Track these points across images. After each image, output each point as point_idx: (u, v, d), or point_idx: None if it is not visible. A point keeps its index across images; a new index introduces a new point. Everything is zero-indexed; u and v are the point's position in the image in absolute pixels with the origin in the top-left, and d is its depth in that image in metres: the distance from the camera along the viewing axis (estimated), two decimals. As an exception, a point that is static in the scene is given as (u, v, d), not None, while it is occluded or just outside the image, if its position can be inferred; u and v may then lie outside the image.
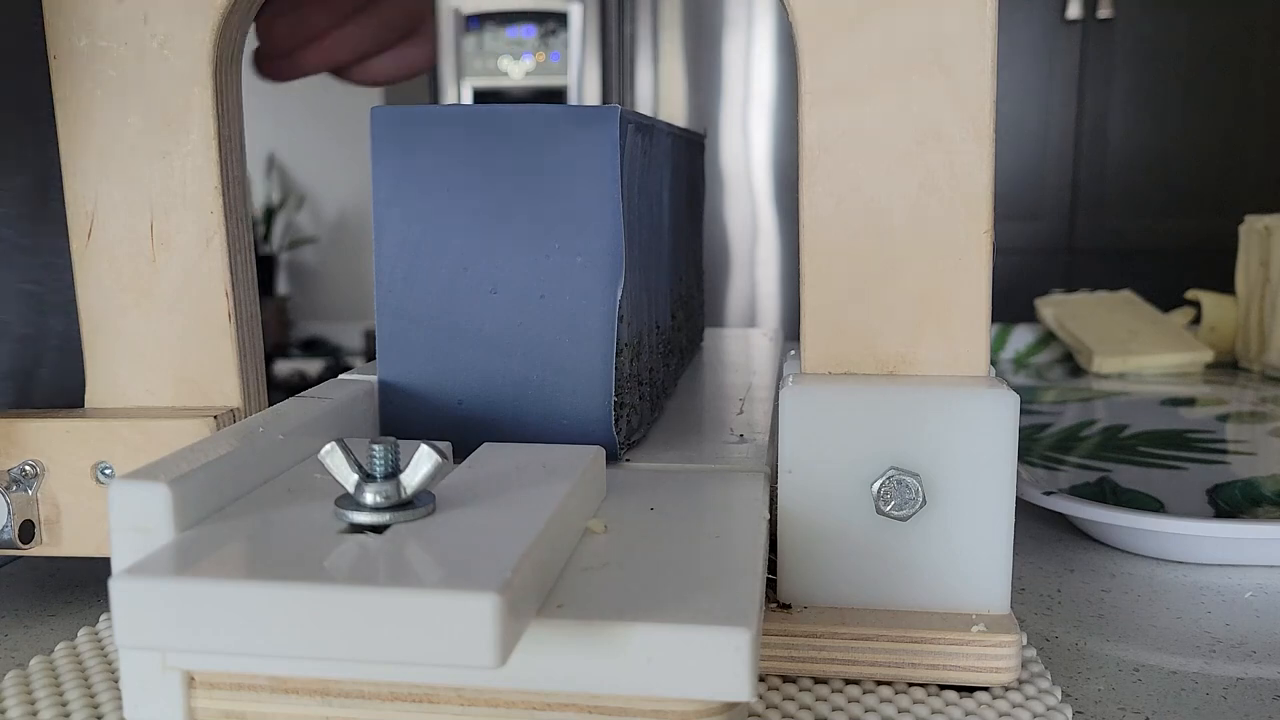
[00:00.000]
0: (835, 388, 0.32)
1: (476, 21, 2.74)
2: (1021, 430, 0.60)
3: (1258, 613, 0.38)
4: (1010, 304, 1.16)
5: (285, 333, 4.42)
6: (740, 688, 0.23)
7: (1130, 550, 0.45)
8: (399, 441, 0.27)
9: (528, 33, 2.71)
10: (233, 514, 0.27)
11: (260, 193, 4.48)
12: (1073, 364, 0.89)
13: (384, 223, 0.36)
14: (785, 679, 0.32)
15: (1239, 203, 1.04)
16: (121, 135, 0.38)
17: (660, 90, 2.54)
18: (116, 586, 0.22)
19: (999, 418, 0.31)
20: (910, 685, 0.32)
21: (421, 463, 0.26)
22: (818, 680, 0.32)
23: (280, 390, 4.06)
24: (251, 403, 0.39)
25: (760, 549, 0.29)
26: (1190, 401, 0.75)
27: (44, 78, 0.39)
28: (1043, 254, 2.40)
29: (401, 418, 0.37)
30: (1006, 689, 0.32)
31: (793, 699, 0.31)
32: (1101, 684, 0.33)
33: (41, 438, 0.36)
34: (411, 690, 0.26)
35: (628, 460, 0.37)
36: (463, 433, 0.36)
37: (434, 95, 2.78)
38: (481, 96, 2.74)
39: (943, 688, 0.32)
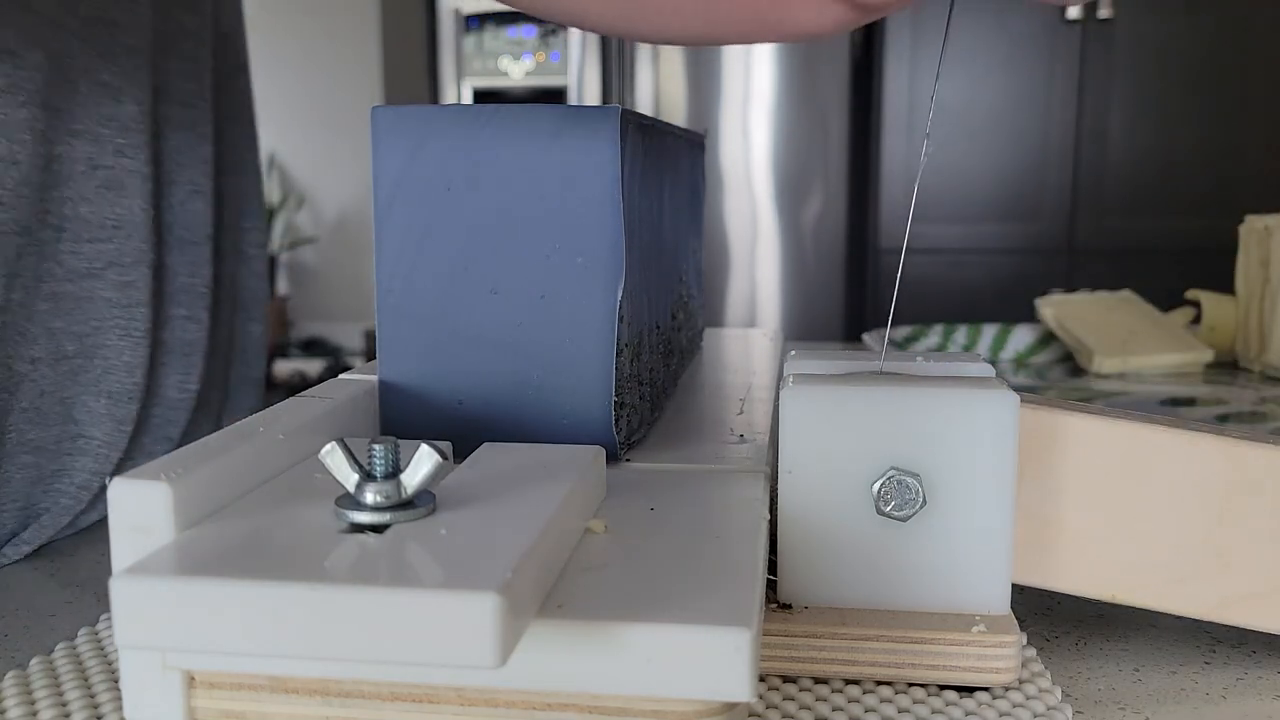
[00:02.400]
0: (835, 388, 0.32)
1: (476, 21, 2.74)
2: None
3: (1258, 613, 0.38)
4: (1010, 304, 1.16)
5: (285, 333, 4.42)
6: (740, 688, 0.23)
7: (1130, 550, 0.45)
8: (399, 441, 0.27)
9: (528, 33, 2.71)
10: (233, 514, 0.27)
11: (260, 193, 4.46)
12: (1073, 364, 0.89)
13: (384, 223, 0.36)
14: (785, 679, 0.32)
15: (1239, 203, 1.04)
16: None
17: (660, 90, 2.54)
18: (117, 586, 0.22)
19: (999, 418, 0.31)
20: (910, 685, 0.32)
21: (422, 462, 0.26)
22: (818, 680, 0.32)
23: (280, 390, 4.07)
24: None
25: (760, 549, 0.29)
26: (1190, 401, 0.75)
27: None
28: (1043, 254, 2.41)
29: (401, 417, 0.37)
30: (1007, 689, 0.32)
31: (793, 699, 0.31)
32: (1101, 684, 0.33)
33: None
34: (412, 690, 0.26)
35: (628, 460, 0.37)
36: (463, 433, 0.36)
37: (434, 95, 2.78)
38: (481, 96, 2.74)
39: (943, 688, 0.32)
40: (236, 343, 0.59)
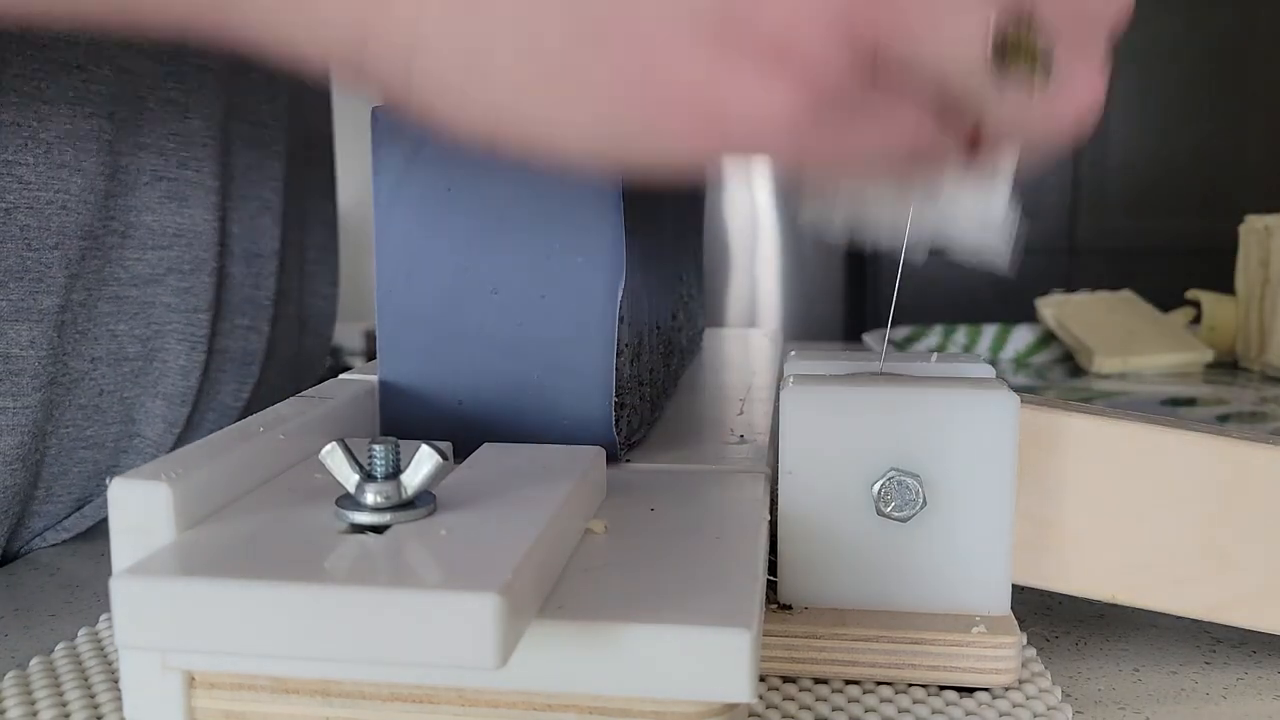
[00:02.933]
0: (836, 389, 0.32)
1: (476, 21, 2.73)
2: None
3: (1258, 613, 0.38)
4: (1010, 304, 1.16)
5: (285, 332, 4.41)
6: (741, 688, 0.23)
7: (1130, 550, 0.45)
8: (400, 441, 0.27)
9: (528, 32, 2.71)
10: (233, 514, 0.27)
11: (260, 192, 4.45)
12: (1073, 364, 0.89)
13: (384, 223, 0.36)
14: (786, 679, 0.32)
15: (1239, 202, 1.05)
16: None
17: (660, 90, 2.54)
18: (117, 586, 0.22)
19: (999, 419, 0.31)
20: (910, 686, 0.32)
21: (422, 463, 0.26)
22: (818, 680, 0.32)
23: (280, 390, 4.05)
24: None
25: (760, 550, 0.29)
26: (1191, 401, 0.75)
27: None
28: (1043, 254, 2.40)
29: (402, 418, 0.36)
30: (1007, 689, 0.32)
31: (793, 699, 0.31)
32: (1101, 684, 0.33)
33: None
34: (412, 691, 0.26)
35: (628, 461, 0.37)
36: (463, 433, 0.36)
37: (434, 95, 2.77)
38: (481, 96, 2.74)
39: (943, 688, 0.32)
40: (300, 356, 0.61)
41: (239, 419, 0.54)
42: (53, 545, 0.46)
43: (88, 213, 0.44)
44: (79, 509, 0.47)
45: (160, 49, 0.47)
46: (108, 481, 0.26)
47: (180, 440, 0.50)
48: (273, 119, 0.54)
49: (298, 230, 0.59)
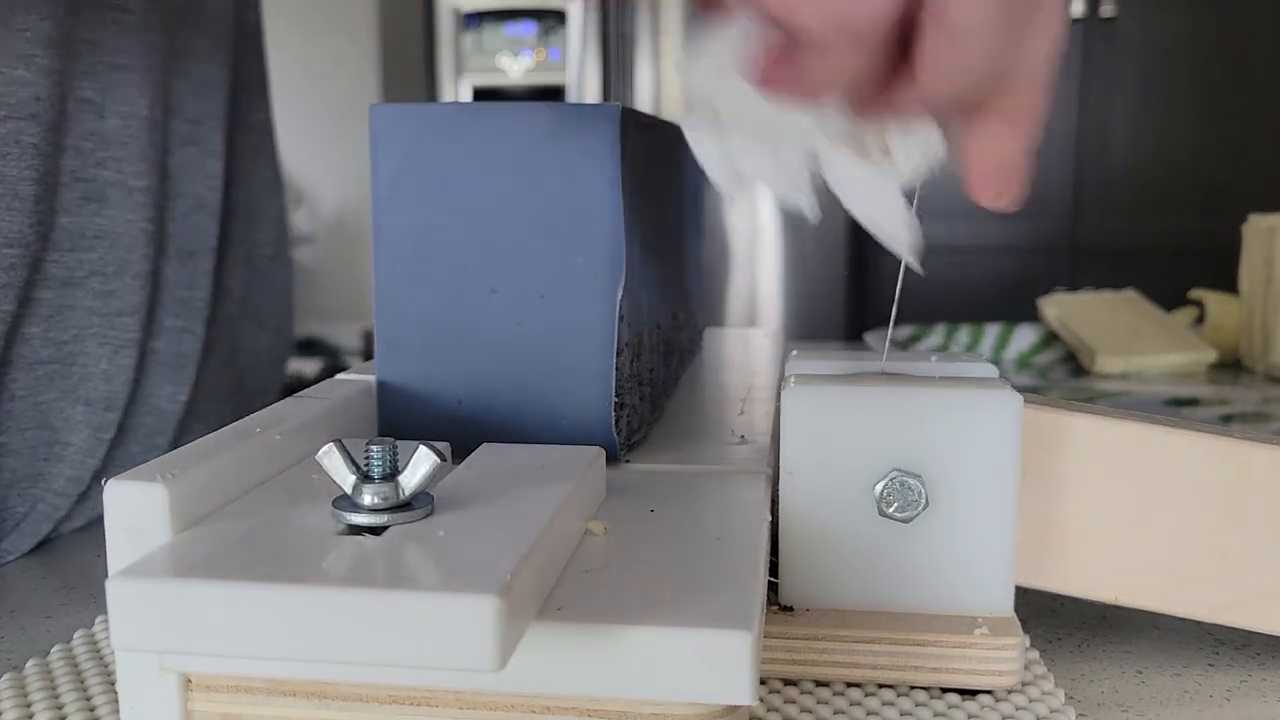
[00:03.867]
0: (838, 389, 0.32)
1: (475, 19, 2.73)
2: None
3: (1262, 614, 0.38)
4: (1012, 303, 1.16)
5: (285, 332, 4.40)
6: (741, 691, 0.23)
7: (1133, 551, 0.45)
8: (397, 442, 0.26)
9: (527, 30, 2.71)
10: (230, 515, 0.27)
11: (260, 191, 4.45)
12: (1075, 364, 0.89)
13: (382, 222, 0.36)
14: (787, 681, 0.32)
15: (1243, 202, 1.04)
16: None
17: (660, 89, 2.54)
18: (113, 588, 0.22)
19: (1002, 419, 0.31)
20: (912, 688, 0.32)
21: (420, 463, 0.26)
22: (819, 683, 0.32)
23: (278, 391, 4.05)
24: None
25: (761, 551, 0.28)
26: (1194, 402, 0.75)
27: None
28: (1045, 253, 2.40)
29: (400, 418, 0.36)
30: (1009, 691, 0.31)
31: (794, 702, 0.31)
32: (1105, 686, 0.33)
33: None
34: (409, 693, 0.26)
35: (628, 461, 0.36)
36: (462, 433, 0.35)
37: (432, 93, 2.78)
38: (480, 94, 2.74)
39: (945, 690, 0.32)
40: (247, 354, 0.60)
41: (178, 422, 0.53)
42: (14, 560, 0.45)
43: (14, 220, 0.42)
44: (16, 525, 0.45)
45: (76, 47, 0.45)
46: (98, 484, 0.26)
47: (114, 447, 0.49)
48: (208, 116, 0.54)
49: (246, 227, 0.59)
